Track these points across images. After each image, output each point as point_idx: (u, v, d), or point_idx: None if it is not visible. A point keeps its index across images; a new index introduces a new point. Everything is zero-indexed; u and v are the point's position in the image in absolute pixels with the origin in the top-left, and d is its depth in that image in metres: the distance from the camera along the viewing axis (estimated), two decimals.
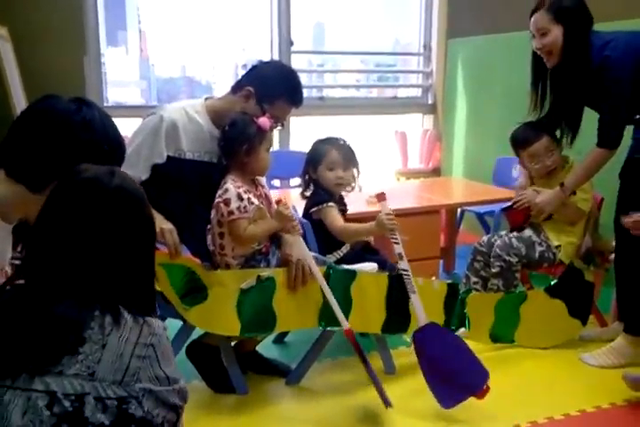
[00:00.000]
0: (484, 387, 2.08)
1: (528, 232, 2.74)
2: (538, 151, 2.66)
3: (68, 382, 1.00)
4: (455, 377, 2.10)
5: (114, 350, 1.02)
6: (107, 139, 1.40)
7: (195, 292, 2.07)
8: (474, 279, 2.79)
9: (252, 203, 2.14)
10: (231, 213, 2.10)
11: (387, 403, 2.08)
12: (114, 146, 1.43)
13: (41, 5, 3.55)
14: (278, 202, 2.16)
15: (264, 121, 2.13)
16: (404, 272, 2.24)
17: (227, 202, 2.11)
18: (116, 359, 1.02)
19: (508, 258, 2.66)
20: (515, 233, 2.73)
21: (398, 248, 2.24)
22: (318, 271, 2.13)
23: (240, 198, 2.11)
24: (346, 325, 2.12)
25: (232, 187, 2.13)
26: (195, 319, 2.09)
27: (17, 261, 1.33)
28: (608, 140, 2.35)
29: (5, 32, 3.01)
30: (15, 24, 3.19)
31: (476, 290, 2.74)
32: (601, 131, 2.36)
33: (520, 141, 2.71)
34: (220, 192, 2.15)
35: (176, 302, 2.04)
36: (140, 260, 1.12)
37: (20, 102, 2.69)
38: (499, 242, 2.71)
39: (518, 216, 2.71)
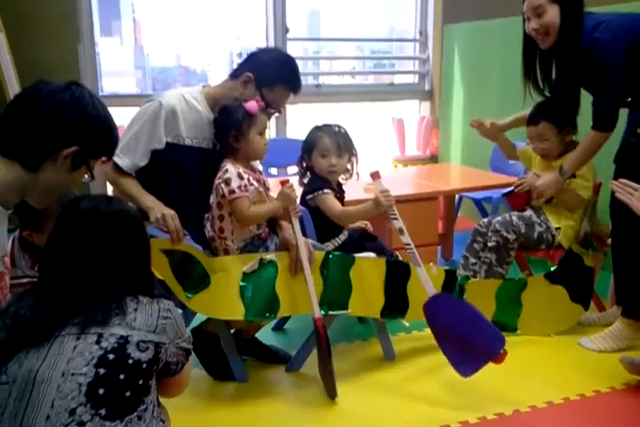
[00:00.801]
0: (501, 351, 2.06)
1: (529, 212, 2.73)
2: (531, 134, 2.68)
3: (113, 329, 1.24)
4: (471, 345, 2.08)
5: (144, 314, 1.29)
6: (97, 116, 1.41)
7: (197, 278, 2.07)
8: (472, 260, 2.78)
9: (252, 184, 2.14)
10: (232, 191, 2.10)
11: (332, 395, 2.14)
12: (105, 124, 1.44)
13: None
14: (284, 182, 2.16)
15: (251, 104, 2.12)
16: (407, 246, 2.23)
17: (227, 181, 2.10)
18: (148, 318, 1.29)
19: (505, 234, 2.66)
20: (516, 212, 2.74)
21: (398, 223, 2.23)
22: (305, 257, 2.12)
23: (240, 177, 2.11)
24: (317, 313, 2.12)
25: (232, 167, 2.13)
26: (197, 306, 2.08)
27: (34, 279, 1.54)
28: (602, 122, 2.35)
29: None
30: (9, 13, 3.17)
31: (474, 271, 2.74)
32: (595, 113, 2.36)
33: (527, 119, 2.71)
34: (219, 174, 2.14)
35: (177, 290, 2.03)
36: (141, 262, 1.39)
37: (14, 89, 2.68)
38: (499, 218, 2.71)
39: (519, 200, 2.71)
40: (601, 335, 2.50)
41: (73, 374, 1.18)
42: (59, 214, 1.36)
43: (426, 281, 2.21)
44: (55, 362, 1.20)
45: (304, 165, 2.51)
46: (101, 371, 1.20)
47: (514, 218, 2.69)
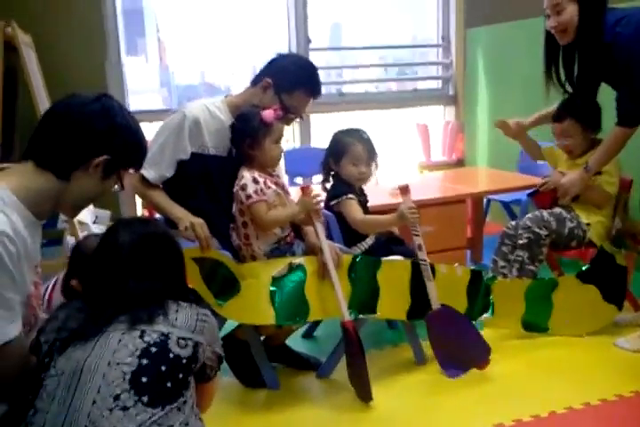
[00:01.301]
0: (486, 360, 2.28)
1: (558, 209, 2.69)
2: (556, 131, 2.67)
3: (156, 327, 1.32)
4: (461, 352, 2.29)
5: (184, 315, 1.37)
6: (127, 126, 1.45)
7: (227, 286, 2.08)
8: (501, 263, 2.74)
9: (270, 187, 2.15)
10: (249, 196, 2.12)
11: (367, 398, 2.14)
12: (134, 134, 1.48)
13: (63, 14, 3.64)
14: (305, 189, 2.16)
15: (268, 113, 2.12)
16: (422, 262, 2.28)
17: (243, 187, 2.12)
18: (188, 319, 1.36)
19: (537, 230, 2.61)
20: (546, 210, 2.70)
21: (418, 240, 2.28)
22: (330, 260, 2.13)
23: (255, 182, 2.13)
24: (347, 316, 2.11)
25: (247, 173, 2.14)
26: (228, 313, 2.09)
27: None
28: (626, 117, 2.33)
29: (29, 40, 3.08)
30: (39, 32, 3.27)
31: (504, 275, 2.70)
32: (619, 108, 2.33)
33: (553, 116, 2.69)
34: (237, 181, 2.17)
35: (208, 298, 2.04)
36: (177, 272, 1.49)
37: (44, 106, 2.75)
38: (529, 215, 2.68)
39: (545, 199, 2.68)
40: (638, 335, 2.45)
41: (118, 364, 1.26)
42: (105, 231, 1.49)
43: (433, 294, 2.30)
44: (102, 353, 1.28)
45: (327, 169, 2.50)
46: (144, 361, 1.27)
47: (544, 214, 2.65)
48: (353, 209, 2.41)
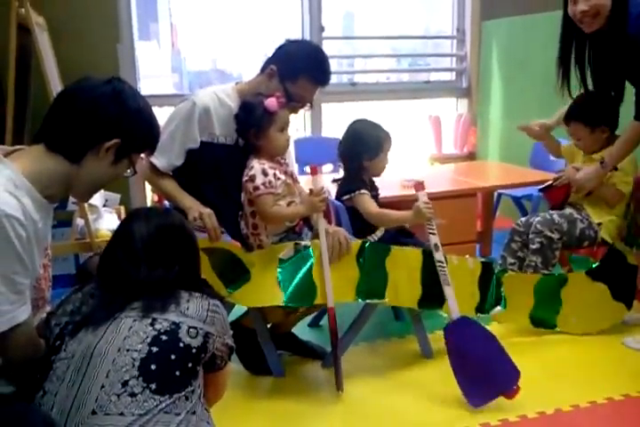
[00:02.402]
0: (515, 387, 2.01)
1: (569, 210, 2.67)
2: (568, 131, 2.66)
3: (167, 315, 1.32)
4: (485, 375, 2.04)
5: (195, 305, 1.37)
6: (138, 109, 1.43)
7: (237, 275, 2.08)
8: (510, 260, 2.73)
9: (279, 178, 2.14)
10: (257, 188, 2.10)
11: (338, 386, 2.13)
12: (145, 117, 1.45)
13: None
14: (312, 192, 2.13)
15: (271, 102, 2.08)
16: (439, 264, 2.21)
17: (252, 178, 2.11)
18: (199, 309, 1.36)
19: (549, 234, 2.60)
20: (555, 211, 2.67)
21: (434, 239, 2.21)
22: (325, 251, 2.11)
23: (265, 174, 2.11)
24: (330, 303, 2.11)
25: (257, 164, 2.13)
26: (238, 299, 2.11)
27: None
28: None
29: (43, 22, 3.06)
30: (52, 14, 3.25)
31: (512, 271, 2.68)
32: (637, 104, 2.28)
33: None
34: (246, 171, 2.15)
35: (218, 287, 2.05)
36: (192, 264, 1.50)
37: (56, 89, 2.72)
38: (539, 218, 2.65)
39: (558, 194, 2.65)
40: None
41: (128, 350, 1.27)
42: (124, 219, 1.51)
43: (452, 302, 2.18)
44: (112, 339, 1.28)
45: (358, 164, 2.43)
46: (154, 349, 1.27)
47: (555, 217, 2.63)
48: (368, 203, 2.40)
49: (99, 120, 1.38)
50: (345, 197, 2.44)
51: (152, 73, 5.24)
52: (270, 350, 2.27)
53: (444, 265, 2.21)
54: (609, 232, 2.63)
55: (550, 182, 2.69)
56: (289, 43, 2.25)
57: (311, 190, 2.14)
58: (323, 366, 2.36)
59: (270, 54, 2.24)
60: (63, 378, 1.26)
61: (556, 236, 2.60)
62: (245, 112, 2.13)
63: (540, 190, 2.78)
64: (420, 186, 2.25)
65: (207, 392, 1.45)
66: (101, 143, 1.39)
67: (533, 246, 2.63)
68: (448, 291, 2.19)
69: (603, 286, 2.56)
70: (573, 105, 2.58)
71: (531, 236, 2.64)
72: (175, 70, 6.14)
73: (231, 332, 1.47)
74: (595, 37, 2.32)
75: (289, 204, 2.19)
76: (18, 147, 1.43)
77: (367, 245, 2.22)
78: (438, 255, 2.21)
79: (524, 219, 2.76)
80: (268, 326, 2.32)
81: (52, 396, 1.26)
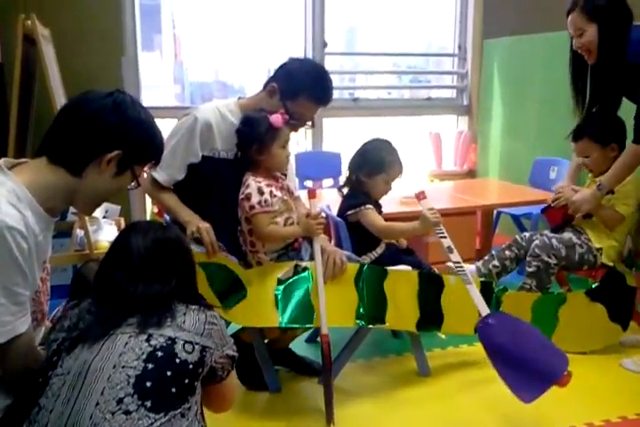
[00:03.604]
0: (565, 373, 1.88)
1: (568, 234, 2.68)
2: (576, 149, 2.67)
3: (163, 330, 1.30)
4: (530, 367, 1.92)
5: (192, 318, 1.35)
6: (139, 121, 1.42)
7: (234, 291, 2.07)
8: (495, 263, 2.74)
9: (275, 196, 2.14)
10: (252, 207, 2.11)
11: (329, 420, 2.05)
12: (147, 129, 1.45)
13: (82, 9, 3.64)
14: (308, 216, 2.13)
15: (276, 118, 2.10)
16: (457, 265, 2.19)
17: (248, 197, 2.12)
18: (195, 322, 1.35)
19: (546, 259, 2.60)
20: (555, 234, 2.68)
21: (446, 242, 2.21)
22: (321, 274, 2.09)
23: (261, 193, 2.11)
24: (324, 330, 2.07)
25: (253, 182, 2.13)
26: (234, 317, 2.08)
27: None
28: None
29: (48, 34, 3.08)
30: (58, 26, 3.27)
31: (489, 271, 2.71)
32: (636, 127, 2.31)
33: (572, 134, 2.69)
34: (242, 189, 2.16)
35: (214, 303, 2.02)
36: (188, 279, 1.48)
37: (60, 100, 2.74)
38: (537, 242, 2.65)
39: (557, 215, 2.67)
40: None
41: (123, 367, 1.25)
42: (120, 233, 1.50)
43: (479, 300, 2.12)
44: (108, 356, 1.26)
45: (355, 178, 2.46)
46: (150, 366, 1.25)
47: (553, 241, 2.63)
48: (374, 217, 2.41)
49: (99, 131, 1.38)
50: (350, 212, 2.45)
51: (154, 83, 5.26)
52: (267, 365, 2.26)
53: (462, 265, 2.19)
54: (609, 258, 2.63)
55: (549, 203, 2.70)
56: (291, 61, 2.26)
57: (308, 214, 2.14)
58: (319, 383, 2.34)
59: (273, 71, 2.26)
60: (58, 394, 1.25)
61: (553, 261, 2.61)
62: (248, 127, 2.14)
63: (541, 211, 2.80)
64: (421, 195, 2.26)
65: (213, 404, 1.46)
66: (102, 155, 1.39)
67: (529, 269, 2.64)
68: (471, 289, 2.15)
69: (600, 307, 2.56)
70: (584, 122, 2.60)
71: (528, 259, 2.65)
72: (177, 81, 6.16)
73: (232, 340, 1.44)
74: (596, 66, 2.40)
75: (286, 220, 2.19)
76: (22, 160, 1.44)
77: (365, 268, 2.21)
78: (454, 257, 2.19)
79: (527, 234, 2.78)
80: (266, 341, 2.32)
81: (47, 412, 1.25)
